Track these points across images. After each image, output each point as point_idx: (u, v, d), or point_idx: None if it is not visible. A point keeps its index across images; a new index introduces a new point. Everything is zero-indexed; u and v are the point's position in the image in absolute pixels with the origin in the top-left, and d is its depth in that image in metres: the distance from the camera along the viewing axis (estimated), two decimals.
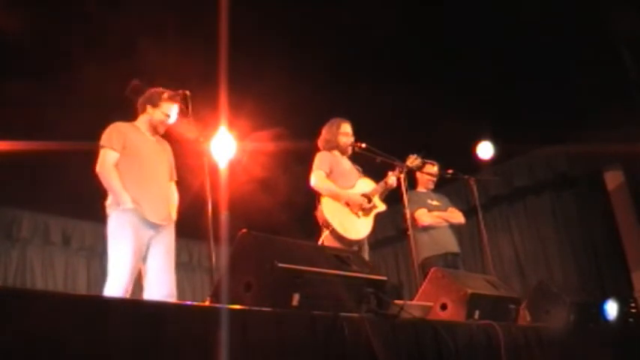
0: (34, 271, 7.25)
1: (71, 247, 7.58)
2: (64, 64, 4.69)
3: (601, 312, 4.74)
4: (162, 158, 3.92)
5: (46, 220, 7.44)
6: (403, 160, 4.59)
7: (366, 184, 4.60)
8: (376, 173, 4.66)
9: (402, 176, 4.50)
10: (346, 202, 4.42)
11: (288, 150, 5.52)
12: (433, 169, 5.51)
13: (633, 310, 5.19)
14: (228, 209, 3.75)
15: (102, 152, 3.69)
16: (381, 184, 4.56)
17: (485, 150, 5.61)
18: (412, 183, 5.45)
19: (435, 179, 5.52)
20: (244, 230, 2.46)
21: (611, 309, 4.79)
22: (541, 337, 3.44)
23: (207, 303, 2.37)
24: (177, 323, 1.78)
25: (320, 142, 4.70)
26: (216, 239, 3.51)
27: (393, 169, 4.57)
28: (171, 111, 3.87)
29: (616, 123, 5.59)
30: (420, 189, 5.57)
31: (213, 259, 3.53)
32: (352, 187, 4.52)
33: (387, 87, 5.64)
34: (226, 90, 4.64)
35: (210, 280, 3.70)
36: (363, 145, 4.50)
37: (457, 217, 5.45)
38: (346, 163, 4.65)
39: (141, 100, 3.90)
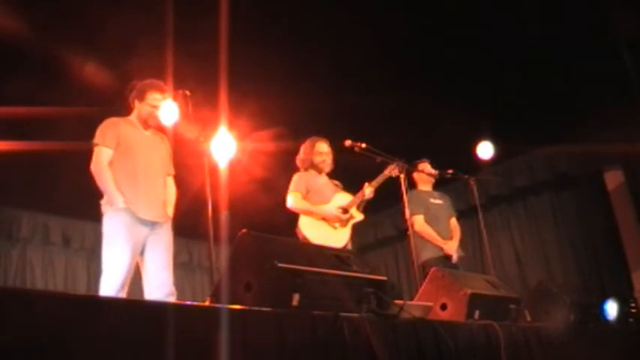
0: (34, 271, 7.24)
1: (71, 247, 7.58)
2: (64, 64, 4.69)
3: (601, 312, 4.73)
4: (157, 153, 3.90)
5: (46, 220, 7.43)
6: (402, 161, 4.59)
7: (342, 198, 4.73)
8: (376, 173, 4.67)
9: (402, 176, 4.50)
10: (322, 217, 4.60)
11: (288, 150, 5.52)
12: (426, 165, 5.49)
13: (633, 310, 5.19)
14: (228, 209, 3.75)
15: (96, 150, 3.68)
16: (358, 195, 4.69)
17: (485, 150, 5.60)
18: (412, 185, 5.45)
19: (432, 177, 5.50)
20: (244, 230, 2.46)
21: (611, 309, 4.79)
22: (541, 337, 3.44)
23: (207, 303, 2.37)
24: (177, 323, 1.77)
25: (297, 161, 4.82)
26: (216, 239, 3.51)
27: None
28: (157, 101, 3.82)
29: (616, 123, 5.59)
30: (421, 188, 5.56)
31: (213, 259, 3.53)
32: (328, 202, 4.66)
33: (387, 87, 5.63)
34: (226, 90, 4.64)
35: (210, 280, 3.69)
36: (364, 145, 4.50)
37: (450, 248, 5.29)
38: (322, 181, 4.78)
39: (131, 96, 3.89)
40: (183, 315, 1.87)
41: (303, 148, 4.83)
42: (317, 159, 4.75)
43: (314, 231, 4.54)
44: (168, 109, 3.87)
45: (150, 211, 3.67)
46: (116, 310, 1.76)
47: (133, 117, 3.89)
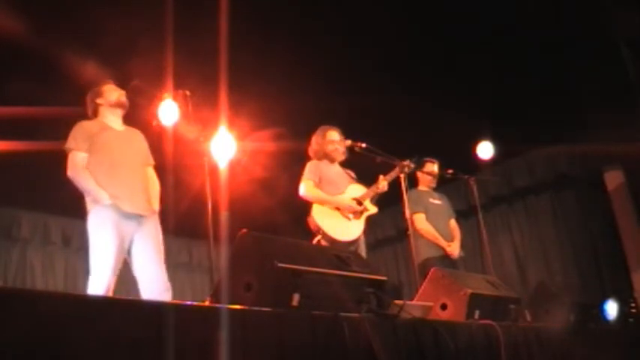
0: (34, 271, 7.25)
1: (71, 247, 7.57)
2: (64, 64, 4.68)
3: (601, 312, 4.74)
4: (133, 146, 3.90)
5: (46, 220, 7.43)
6: (403, 160, 4.59)
7: (356, 189, 4.63)
8: (377, 173, 4.67)
9: (402, 176, 4.50)
10: (336, 206, 4.47)
11: (288, 150, 5.52)
12: (433, 167, 5.53)
13: (633, 310, 5.19)
14: (228, 209, 3.75)
15: (70, 156, 3.69)
16: (373, 188, 4.60)
17: (485, 150, 5.61)
18: (413, 182, 5.46)
19: (436, 178, 5.53)
20: (244, 230, 2.46)
21: (611, 309, 4.79)
22: (541, 337, 3.44)
23: (207, 303, 2.37)
24: (177, 323, 1.77)
25: (310, 151, 4.74)
26: (216, 239, 3.51)
27: (392, 168, 4.58)
28: (114, 94, 3.88)
29: (616, 123, 5.58)
30: (422, 188, 5.58)
31: (213, 259, 3.53)
32: (342, 192, 4.56)
33: (387, 87, 5.63)
34: (226, 90, 4.64)
35: (210, 280, 3.70)
36: (363, 145, 4.50)
37: (454, 250, 5.30)
38: (336, 170, 4.69)
39: (89, 102, 3.90)
40: (183, 315, 1.87)
41: (314, 138, 4.72)
42: (329, 147, 4.64)
43: (328, 222, 4.39)
44: (168, 109, 3.87)
45: (134, 205, 3.67)
46: (116, 310, 1.76)
47: (102, 117, 3.88)
